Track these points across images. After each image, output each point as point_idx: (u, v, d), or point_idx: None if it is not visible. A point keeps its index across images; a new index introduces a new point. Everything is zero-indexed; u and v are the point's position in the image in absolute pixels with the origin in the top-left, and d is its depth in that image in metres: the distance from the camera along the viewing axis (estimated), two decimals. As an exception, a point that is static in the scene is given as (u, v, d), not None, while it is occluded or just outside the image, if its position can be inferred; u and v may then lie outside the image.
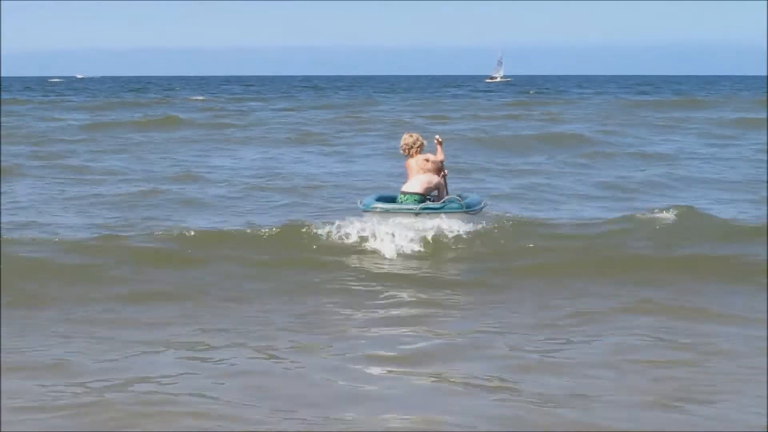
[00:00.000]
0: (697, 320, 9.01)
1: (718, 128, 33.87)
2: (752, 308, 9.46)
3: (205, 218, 14.77)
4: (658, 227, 12.87)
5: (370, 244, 11.79)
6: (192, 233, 12.50)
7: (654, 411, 6.55)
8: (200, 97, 67.06)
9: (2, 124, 34.34)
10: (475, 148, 26.53)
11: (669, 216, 13.23)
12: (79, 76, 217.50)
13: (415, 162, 12.74)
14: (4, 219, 14.25)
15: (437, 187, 12.69)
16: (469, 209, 12.60)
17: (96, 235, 12.90)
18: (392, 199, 12.68)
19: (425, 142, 12.95)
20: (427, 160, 12.71)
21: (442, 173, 12.87)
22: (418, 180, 12.55)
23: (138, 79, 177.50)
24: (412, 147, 12.81)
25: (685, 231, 12.70)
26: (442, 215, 12.28)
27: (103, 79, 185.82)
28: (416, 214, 12.19)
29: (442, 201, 12.52)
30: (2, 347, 8.01)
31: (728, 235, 12.56)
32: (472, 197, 13.19)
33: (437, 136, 13.06)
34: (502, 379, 7.21)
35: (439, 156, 12.81)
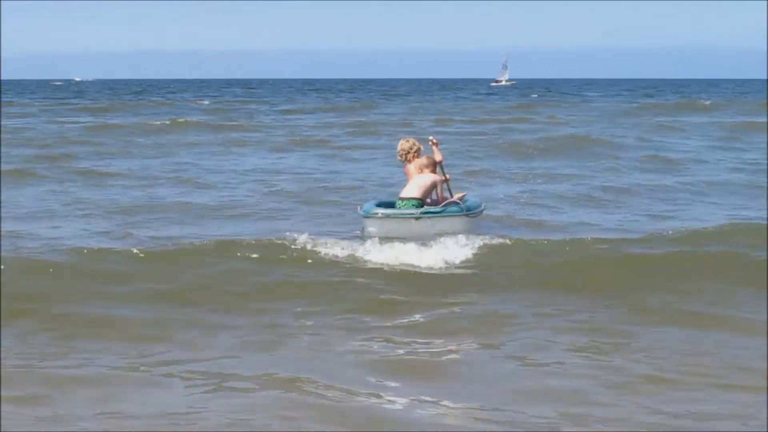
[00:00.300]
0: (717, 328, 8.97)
1: (723, 131, 33.86)
2: (754, 310, 9.46)
3: (209, 222, 14.75)
4: (671, 231, 12.82)
5: (371, 250, 11.68)
6: (197, 238, 12.50)
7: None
8: (205, 101, 67.03)
9: (6, 127, 34.35)
10: (479, 151, 26.49)
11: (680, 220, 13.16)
12: (77, 79, 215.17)
13: (414, 167, 12.70)
14: (4, 222, 14.24)
15: (434, 185, 12.55)
16: (469, 213, 12.55)
17: (98, 237, 12.91)
18: (392, 205, 12.59)
19: (422, 147, 12.92)
20: (428, 158, 12.66)
21: (444, 178, 12.82)
22: (415, 184, 12.47)
23: (138, 82, 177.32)
24: (408, 152, 12.79)
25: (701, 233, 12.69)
26: (443, 219, 12.22)
27: (103, 82, 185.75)
28: (416, 219, 12.13)
29: (442, 205, 12.47)
30: (2, 348, 8.00)
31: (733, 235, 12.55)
32: (472, 200, 13.14)
33: (431, 138, 13.01)
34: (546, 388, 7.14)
35: (437, 157, 12.77)
